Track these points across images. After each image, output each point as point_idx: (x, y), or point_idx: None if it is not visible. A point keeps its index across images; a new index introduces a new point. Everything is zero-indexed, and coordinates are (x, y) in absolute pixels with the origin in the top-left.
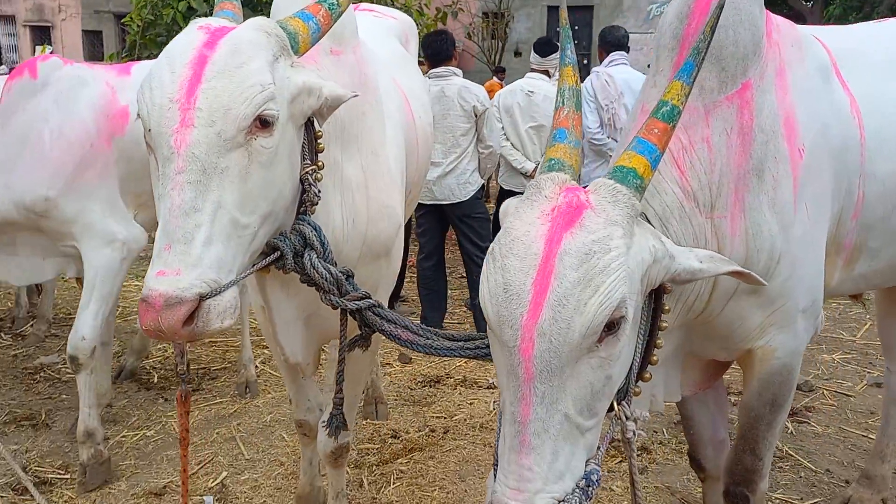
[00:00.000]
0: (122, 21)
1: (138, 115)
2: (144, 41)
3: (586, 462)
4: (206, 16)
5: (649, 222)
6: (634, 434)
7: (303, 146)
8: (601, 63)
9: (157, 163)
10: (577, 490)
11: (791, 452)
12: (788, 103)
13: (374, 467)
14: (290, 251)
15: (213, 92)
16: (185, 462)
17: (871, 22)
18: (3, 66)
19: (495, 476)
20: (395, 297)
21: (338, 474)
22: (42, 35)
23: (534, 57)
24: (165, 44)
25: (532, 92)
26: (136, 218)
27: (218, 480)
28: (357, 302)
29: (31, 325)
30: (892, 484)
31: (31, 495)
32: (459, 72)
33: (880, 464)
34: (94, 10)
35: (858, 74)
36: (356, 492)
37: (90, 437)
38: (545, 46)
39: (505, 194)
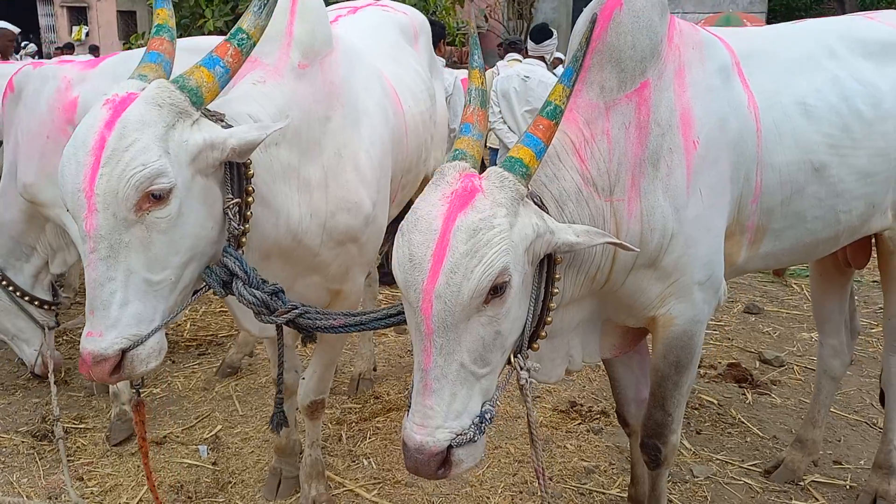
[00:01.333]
0: (149, 2)
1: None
2: None
3: (483, 404)
4: (228, 0)
5: (543, 204)
6: (527, 381)
7: (226, 181)
8: None
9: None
10: (472, 426)
11: (743, 420)
12: (686, 100)
13: (354, 424)
14: (218, 283)
15: (104, 178)
16: (148, 469)
17: (787, 23)
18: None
19: (407, 416)
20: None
21: (314, 426)
22: (79, 15)
23: (530, 44)
24: (188, 27)
25: (528, 77)
26: None
27: (213, 433)
28: (286, 315)
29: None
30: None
31: (49, 441)
32: (442, 60)
33: (812, 429)
34: None
35: (761, 73)
36: (335, 445)
37: (116, 398)
38: (539, 34)
39: None
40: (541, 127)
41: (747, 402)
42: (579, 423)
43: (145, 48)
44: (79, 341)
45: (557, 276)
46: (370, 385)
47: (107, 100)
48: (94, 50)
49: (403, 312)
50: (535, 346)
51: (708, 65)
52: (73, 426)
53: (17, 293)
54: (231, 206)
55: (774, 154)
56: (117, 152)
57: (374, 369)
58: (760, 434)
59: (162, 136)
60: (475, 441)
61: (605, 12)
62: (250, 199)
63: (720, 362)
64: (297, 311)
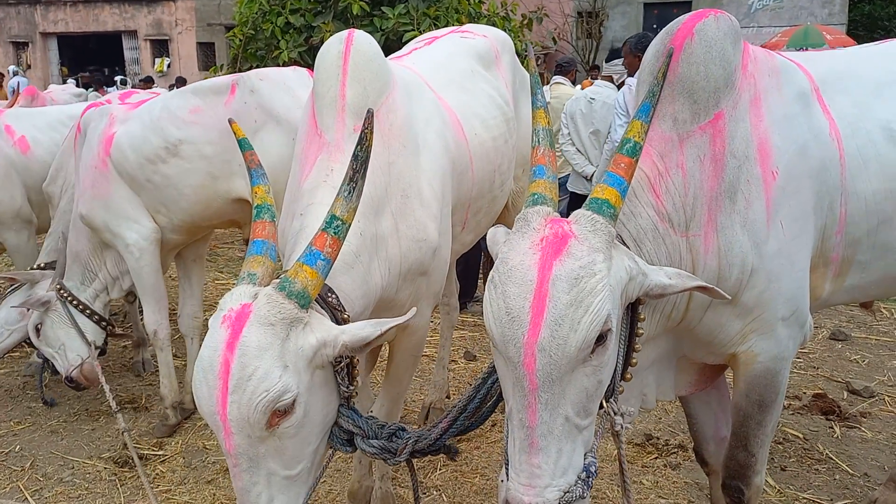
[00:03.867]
0: (227, 35)
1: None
2: (245, 55)
3: (584, 456)
4: (302, 31)
5: (624, 243)
6: (622, 427)
7: (337, 373)
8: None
9: None
10: (580, 482)
11: (831, 456)
12: (763, 129)
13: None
14: (341, 443)
15: (234, 406)
16: None
17: (866, 44)
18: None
19: (507, 475)
20: (471, 297)
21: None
22: (161, 48)
23: (604, 65)
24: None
25: (593, 99)
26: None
27: None
28: (405, 451)
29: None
30: None
31: (130, 468)
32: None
33: None
34: (206, 23)
35: (842, 98)
36: (406, 476)
37: (161, 401)
38: (610, 53)
39: (575, 198)
40: (622, 165)
41: (835, 435)
42: (656, 458)
43: (251, 233)
44: (153, 370)
45: (642, 316)
46: (441, 415)
47: (224, 316)
48: (181, 81)
49: (496, 383)
50: (621, 388)
51: (785, 91)
52: (153, 452)
53: (79, 307)
54: (339, 370)
55: (859, 182)
56: (242, 381)
57: (448, 396)
58: (850, 471)
59: (279, 354)
60: (584, 497)
61: (677, 42)
62: (356, 358)
63: (805, 392)
64: (412, 440)
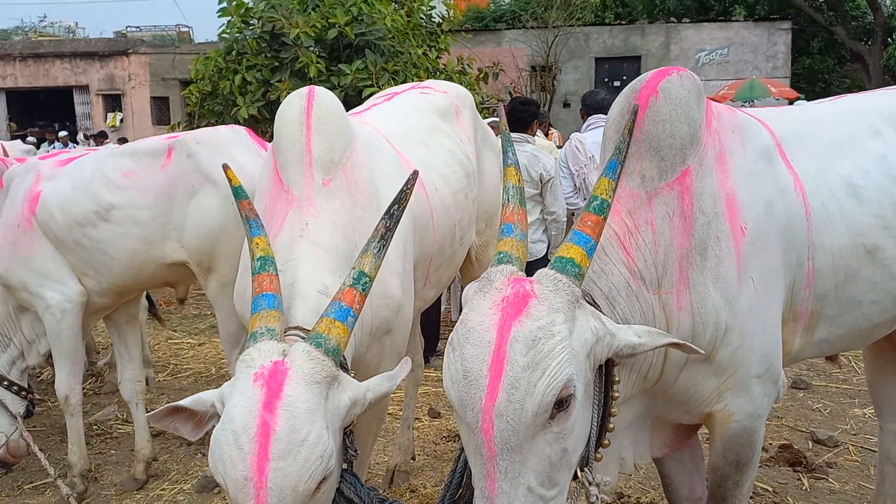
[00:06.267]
0: (183, 93)
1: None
2: (203, 112)
3: None
4: (260, 85)
5: (595, 302)
6: (598, 499)
7: (346, 436)
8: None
9: None
10: None
11: None
12: (729, 185)
13: None
14: None
15: (280, 472)
16: None
17: (820, 101)
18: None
19: None
20: (433, 351)
21: None
22: (114, 102)
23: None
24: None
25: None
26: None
27: None
28: None
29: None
30: None
31: None
32: (533, 139)
33: None
34: (161, 77)
35: (803, 154)
36: None
37: (71, 468)
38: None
39: None
40: (589, 223)
41: (804, 488)
42: None
43: (254, 286)
44: (109, 434)
45: (617, 378)
46: (406, 478)
47: (255, 374)
48: (123, 140)
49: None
50: (599, 455)
51: (749, 148)
52: None
53: None
54: (348, 434)
55: (825, 237)
56: (292, 447)
57: (413, 458)
58: None
59: (325, 416)
60: None
61: (641, 100)
62: (353, 426)
63: (771, 444)
64: None
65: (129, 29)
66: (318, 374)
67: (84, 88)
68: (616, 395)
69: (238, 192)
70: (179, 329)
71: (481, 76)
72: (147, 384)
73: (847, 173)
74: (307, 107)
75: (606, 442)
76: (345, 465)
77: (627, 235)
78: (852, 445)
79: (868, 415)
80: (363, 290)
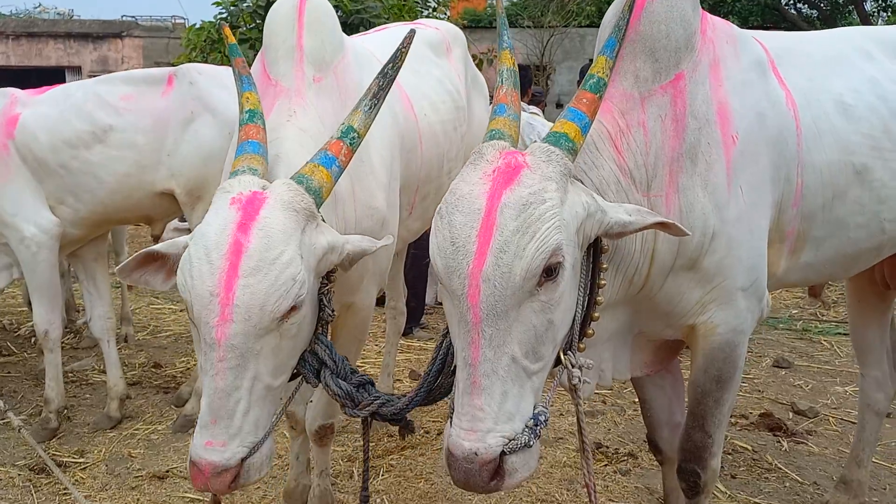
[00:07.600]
0: (172, 61)
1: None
2: None
3: (535, 406)
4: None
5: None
6: (580, 380)
7: (324, 294)
8: None
9: (200, 338)
10: (526, 430)
11: (780, 466)
12: (722, 94)
13: None
14: (311, 372)
15: (249, 290)
16: None
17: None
18: None
19: (451, 423)
20: (418, 322)
21: (323, 453)
22: None
23: None
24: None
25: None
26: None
27: None
28: (368, 408)
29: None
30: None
31: (46, 475)
32: (528, 107)
33: (857, 469)
34: (154, 60)
35: (796, 70)
36: (346, 482)
37: (47, 403)
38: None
39: None
40: (584, 101)
41: (783, 449)
42: (605, 465)
43: (240, 135)
44: (85, 381)
45: (604, 265)
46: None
47: (232, 198)
48: None
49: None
50: (582, 345)
51: (743, 59)
52: (73, 460)
53: None
54: (326, 293)
55: (815, 154)
56: (264, 263)
57: None
58: (800, 479)
59: (299, 243)
60: (530, 447)
61: (638, 1)
62: (332, 285)
63: (751, 412)
64: (378, 401)
65: (124, 18)
66: (297, 204)
67: (77, 69)
68: (603, 282)
69: (233, 50)
70: (162, 296)
71: (476, 63)
72: (126, 341)
73: (838, 91)
74: (300, 5)
75: (591, 331)
76: (319, 329)
77: (619, 135)
78: (833, 417)
79: (849, 392)
80: (350, 144)
